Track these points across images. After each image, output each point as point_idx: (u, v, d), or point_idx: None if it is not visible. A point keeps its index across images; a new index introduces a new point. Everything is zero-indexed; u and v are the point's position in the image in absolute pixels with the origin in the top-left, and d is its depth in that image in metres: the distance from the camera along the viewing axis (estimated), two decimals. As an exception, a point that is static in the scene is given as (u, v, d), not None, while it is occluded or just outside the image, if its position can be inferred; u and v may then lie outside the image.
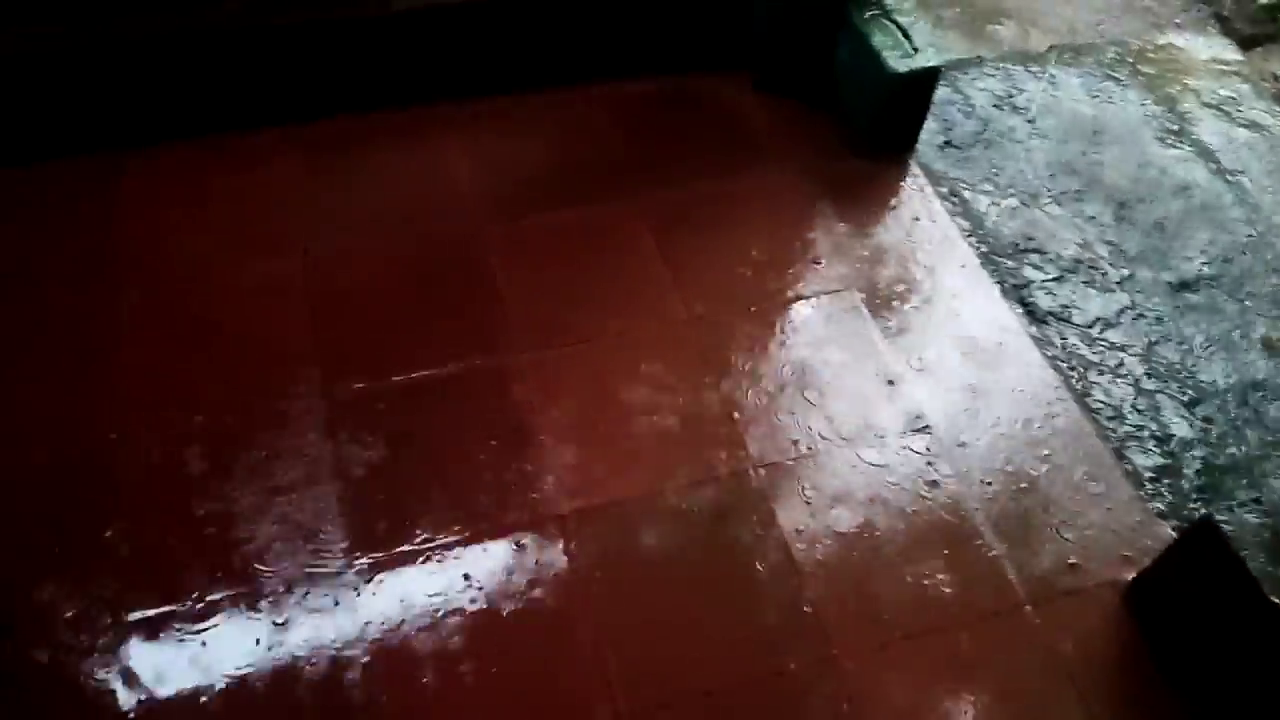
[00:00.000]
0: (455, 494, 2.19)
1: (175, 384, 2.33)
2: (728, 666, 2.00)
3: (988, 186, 2.97)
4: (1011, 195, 2.95)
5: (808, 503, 2.23)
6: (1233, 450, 2.42)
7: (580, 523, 2.16)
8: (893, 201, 2.87)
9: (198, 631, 1.97)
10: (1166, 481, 2.36)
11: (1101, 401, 2.48)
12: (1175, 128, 3.22)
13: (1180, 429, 2.46)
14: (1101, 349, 2.60)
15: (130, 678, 1.91)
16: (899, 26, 2.79)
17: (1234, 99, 3.35)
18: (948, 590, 2.13)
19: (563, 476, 2.23)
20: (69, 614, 1.98)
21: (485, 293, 2.55)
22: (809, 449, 2.32)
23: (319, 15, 2.72)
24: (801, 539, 2.17)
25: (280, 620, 1.99)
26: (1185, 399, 2.51)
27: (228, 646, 1.95)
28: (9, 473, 2.16)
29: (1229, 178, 3.08)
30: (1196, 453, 2.42)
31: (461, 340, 2.45)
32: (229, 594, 2.02)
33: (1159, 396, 2.52)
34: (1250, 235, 2.92)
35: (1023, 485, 2.30)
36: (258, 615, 2.00)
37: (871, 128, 2.89)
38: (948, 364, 2.50)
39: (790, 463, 2.29)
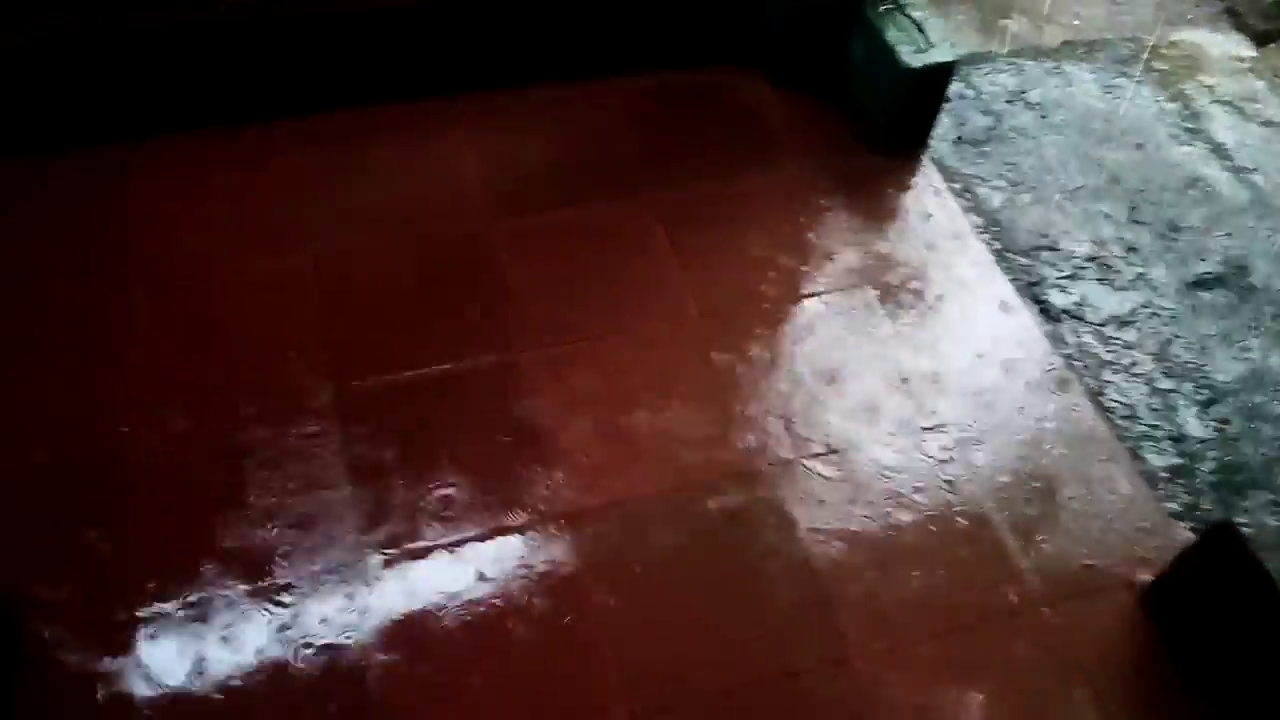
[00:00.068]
0: (464, 491, 2.17)
1: (183, 379, 2.32)
2: (739, 666, 1.99)
3: (1001, 183, 2.95)
4: (1024, 192, 2.93)
5: (820, 501, 2.22)
6: (1248, 451, 2.41)
7: (590, 521, 2.15)
8: (906, 198, 2.85)
9: (207, 628, 1.96)
10: (1181, 482, 2.34)
11: (1116, 401, 2.47)
12: (1189, 125, 3.20)
13: (1195, 429, 2.44)
14: (1115, 347, 2.58)
15: (140, 673, 1.90)
16: (913, 21, 2.77)
17: (1248, 96, 3.33)
18: (961, 590, 2.12)
19: (572, 474, 2.21)
20: (78, 609, 1.97)
21: (494, 289, 2.53)
22: (822, 447, 2.31)
23: (325, 8, 2.69)
24: (813, 538, 2.16)
25: (289, 617, 1.98)
26: (1200, 399, 2.50)
27: (237, 643, 1.94)
28: (16, 469, 2.15)
29: (1243, 175, 3.06)
30: (1211, 453, 2.40)
31: (470, 337, 2.43)
32: (238, 590, 2.01)
33: (1173, 396, 2.50)
34: (1265, 233, 2.90)
35: (1037, 485, 2.29)
36: (267, 612, 1.99)
37: (885, 123, 2.87)
38: (961, 362, 2.49)
39: (803, 461, 2.28)
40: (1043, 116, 3.17)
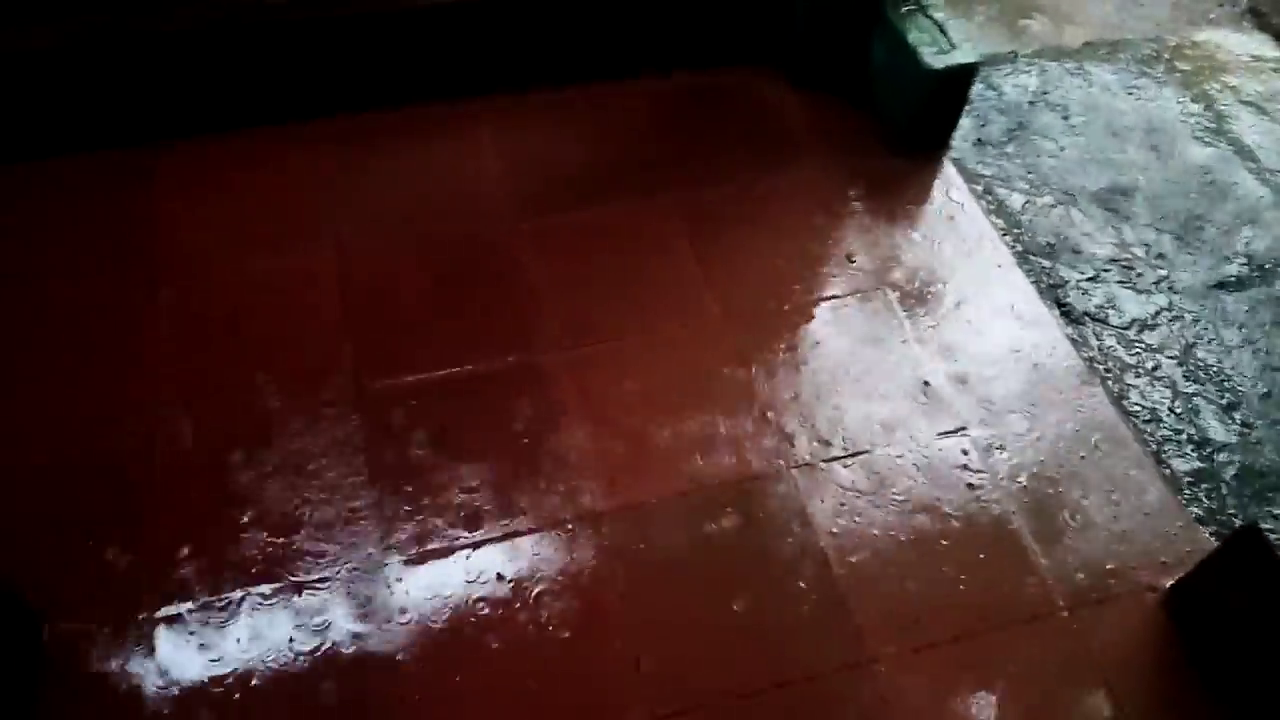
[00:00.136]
0: (484, 493, 2.18)
1: (208, 378, 2.33)
2: (758, 669, 1.99)
3: (1023, 184, 2.94)
4: (1046, 193, 2.92)
5: (842, 504, 2.22)
6: (1271, 455, 2.39)
7: (612, 521, 2.16)
8: (927, 199, 2.85)
9: (225, 628, 1.97)
10: (1204, 486, 2.33)
11: (1138, 404, 2.46)
12: (1212, 125, 3.18)
13: (1218, 433, 2.43)
14: (1138, 351, 2.57)
15: (159, 672, 1.91)
16: (935, 22, 2.76)
17: (1272, 96, 3.31)
18: (983, 594, 2.11)
19: (592, 476, 2.22)
20: (99, 609, 1.99)
21: (517, 290, 2.54)
22: (843, 450, 2.30)
23: (349, 10, 2.70)
24: (835, 541, 2.16)
25: (308, 618, 2.00)
26: (1223, 402, 2.49)
27: (255, 643, 1.96)
28: (41, 467, 2.17)
29: (1267, 176, 3.04)
30: (1234, 457, 2.39)
31: (493, 337, 2.44)
32: (257, 590, 2.03)
33: (1196, 400, 2.49)
34: (1289, 236, 2.88)
35: (1059, 488, 2.28)
36: (289, 609, 2.00)
37: (907, 125, 2.87)
38: (983, 365, 2.48)
39: (824, 464, 2.28)
40: (1064, 118, 3.15)
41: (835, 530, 2.18)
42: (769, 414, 2.35)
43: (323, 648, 1.96)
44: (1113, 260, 2.77)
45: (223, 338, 2.41)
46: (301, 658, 1.94)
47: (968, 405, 2.40)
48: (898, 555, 2.15)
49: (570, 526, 2.14)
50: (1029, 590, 2.12)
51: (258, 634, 1.97)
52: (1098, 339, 2.58)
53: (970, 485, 2.27)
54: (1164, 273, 2.75)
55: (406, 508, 2.15)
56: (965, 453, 2.32)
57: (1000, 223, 2.82)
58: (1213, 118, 3.21)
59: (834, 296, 2.59)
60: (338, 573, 2.06)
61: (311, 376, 2.34)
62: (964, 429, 2.36)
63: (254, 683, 1.91)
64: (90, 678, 1.90)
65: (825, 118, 3.00)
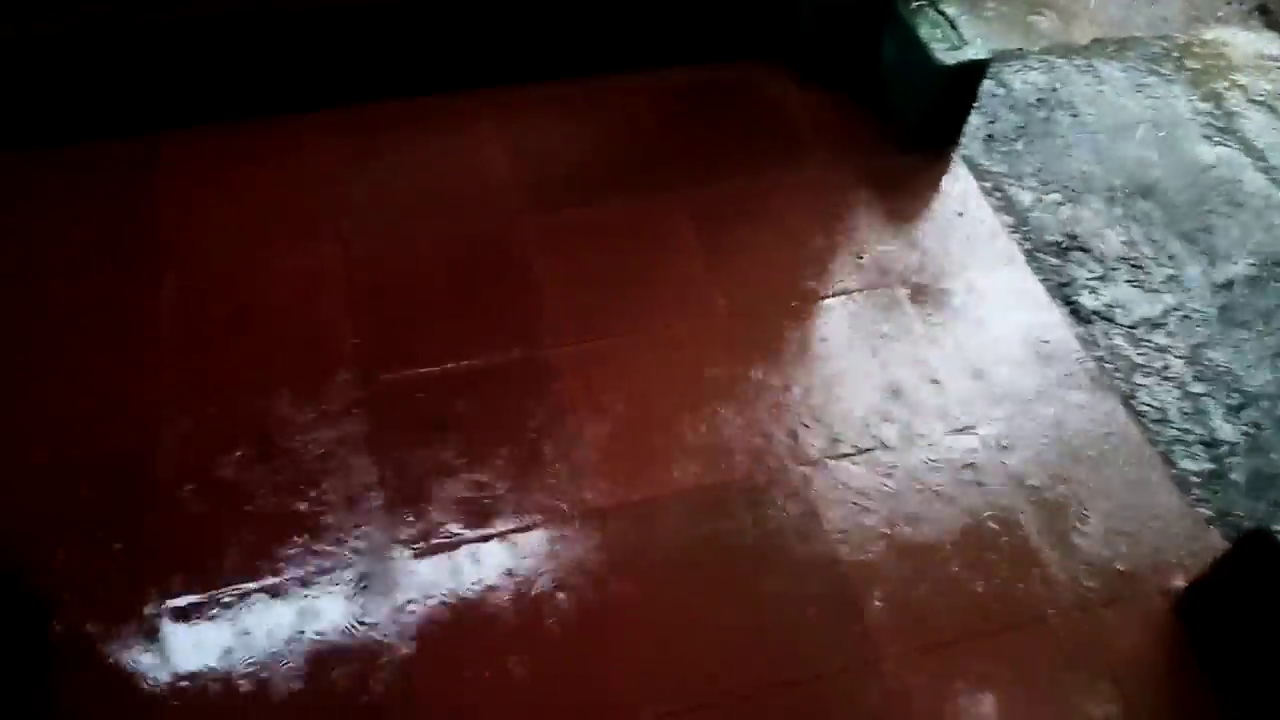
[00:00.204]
0: (491, 487, 2.17)
1: (213, 369, 2.32)
2: (767, 667, 1.98)
3: (1032, 182, 2.92)
4: (1055, 191, 2.91)
5: (850, 503, 2.21)
6: (1280, 456, 2.39)
7: (617, 518, 2.15)
8: (936, 196, 2.83)
9: (234, 620, 1.96)
10: (1214, 487, 2.32)
11: (1148, 404, 2.45)
12: (1222, 124, 3.17)
13: (1227, 433, 2.42)
14: (1147, 350, 2.56)
15: (167, 664, 1.90)
16: (946, 18, 2.74)
17: (1282, 95, 3.30)
18: (991, 593, 2.10)
19: (599, 471, 2.21)
20: (108, 598, 1.98)
21: (523, 284, 2.52)
22: (852, 447, 2.29)
23: (355, 0, 2.68)
24: (844, 540, 2.15)
25: (317, 608, 1.98)
26: (1232, 403, 2.48)
27: (263, 635, 1.95)
28: (47, 460, 2.16)
29: (1276, 176, 3.03)
30: (1244, 458, 2.38)
31: (499, 332, 2.43)
32: (267, 581, 2.01)
33: (1205, 400, 2.48)
34: (1299, 236, 2.87)
35: (1068, 488, 2.27)
36: (295, 602, 1.99)
37: (917, 121, 2.85)
38: (992, 363, 2.47)
39: (832, 462, 2.27)
40: (1074, 115, 3.14)
41: (843, 528, 2.16)
42: (777, 411, 2.34)
43: (329, 641, 1.95)
44: (1122, 259, 2.76)
45: (227, 331, 2.39)
46: (308, 651, 1.93)
47: (977, 403, 2.39)
48: (905, 554, 2.14)
49: (577, 522, 2.13)
50: (1038, 590, 2.11)
51: (264, 627, 1.96)
52: (1106, 338, 2.57)
53: (979, 484, 2.26)
54: (1173, 272, 2.74)
55: (412, 502, 2.14)
56: (974, 451, 2.31)
57: (1009, 220, 2.80)
58: (1222, 116, 3.19)
59: (842, 293, 2.58)
60: (344, 566, 2.04)
61: (317, 370, 2.33)
62: (973, 427, 2.35)
63: (261, 676, 1.90)
64: (98, 672, 1.89)
65: (834, 113, 2.99)
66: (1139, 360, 2.54)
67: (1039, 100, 3.17)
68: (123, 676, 1.89)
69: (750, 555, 2.12)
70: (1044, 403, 2.41)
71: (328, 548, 2.07)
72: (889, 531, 2.17)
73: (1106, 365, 2.51)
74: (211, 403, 2.26)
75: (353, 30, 2.73)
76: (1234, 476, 2.34)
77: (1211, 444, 2.40)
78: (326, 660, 1.92)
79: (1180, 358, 2.55)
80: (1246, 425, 2.43)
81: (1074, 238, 2.79)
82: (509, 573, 2.06)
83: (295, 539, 2.07)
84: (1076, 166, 2.98)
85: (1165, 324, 2.62)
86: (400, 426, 2.24)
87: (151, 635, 1.94)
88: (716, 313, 2.51)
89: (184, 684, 1.88)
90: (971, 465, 2.29)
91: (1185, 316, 2.64)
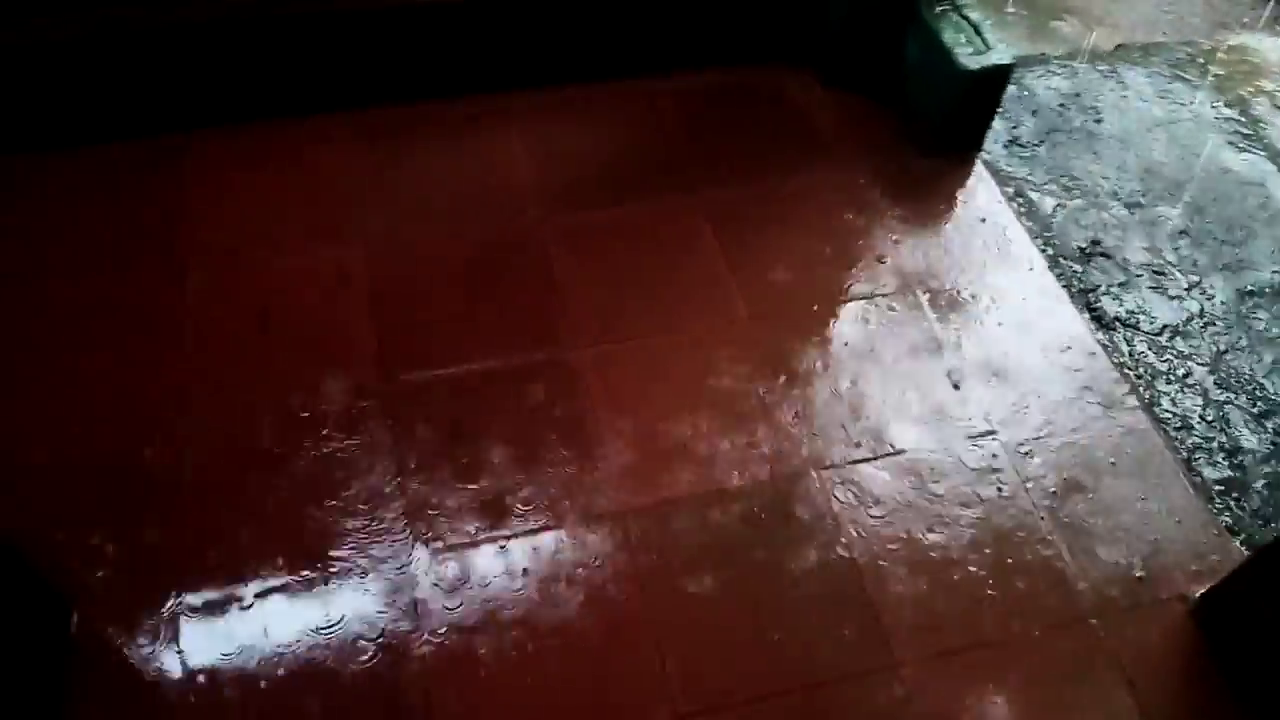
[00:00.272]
0: (510, 488, 2.18)
1: (238, 365, 2.34)
2: (784, 669, 1.98)
3: (1054, 188, 2.92)
4: (1078, 197, 2.90)
5: (868, 506, 2.21)
6: (1303, 465, 2.38)
7: (636, 520, 2.15)
8: (958, 201, 2.83)
9: (252, 617, 1.98)
10: (1235, 495, 2.31)
11: (1169, 411, 2.44)
12: (1247, 131, 3.15)
13: (1249, 441, 2.41)
14: (1170, 357, 2.55)
15: (186, 659, 1.92)
16: (970, 23, 2.74)
17: (1307, 102, 3.28)
18: (1010, 599, 2.10)
19: (618, 473, 2.22)
20: (127, 596, 2.00)
21: (544, 286, 2.54)
22: (871, 451, 2.29)
23: (381, 4, 2.70)
24: (862, 542, 2.15)
25: (336, 607, 2.00)
26: (1255, 411, 2.47)
27: (281, 633, 1.96)
28: (69, 456, 2.18)
29: (1302, 184, 3.01)
30: (1266, 466, 2.37)
31: (520, 333, 2.44)
32: (286, 579, 2.03)
33: (1228, 407, 2.47)
34: (1324, 244, 2.86)
35: (1089, 494, 2.26)
36: (314, 600, 2.01)
37: (940, 125, 2.85)
38: (1013, 368, 2.47)
39: (851, 465, 2.27)
40: (1097, 121, 3.13)
41: (862, 532, 2.17)
42: (797, 414, 2.34)
43: (347, 638, 1.96)
44: (1144, 265, 2.75)
45: (249, 330, 2.41)
46: (326, 648, 1.95)
47: (998, 409, 2.39)
48: (925, 558, 2.14)
49: (594, 523, 2.14)
50: (1056, 596, 2.11)
51: (283, 624, 1.97)
52: (1129, 344, 2.56)
53: (999, 489, 2.26)
54: (1196, 279, 2.73)
55: (432, 501, 2.15)
56: (995, 456, 2.31)
57: (1032, 226, 2.80)
58: (1247, 123, 3.18)
59: (864, 297, 2.58)
60: (363, 564, 2.06)
61: (337, 370, 2.34)
62: (993, 433, 2.35)
63: (279, 672, 1.91)
64: (116, 667, 1.91)
65: (856, 117, 2.99)
66: (1161, 367, 2.53)
67: (1062, 105, 3.16)
68: (140, 672, 1.91)
69: (768, 558, 2.12)
70: (1065, 409, 2.41)
71: (346, 545, 2.08)
72: (907, 536, 2.17)
73: (1128, 372, 2.50)
74: (233, 401, 2.28)
75: (378, 32, 2.75)
76: (1256, 485, 2.33)
77: (1233, 452, 2.39)
78: (343, 657, 1.94)
79: (1203, 365, 2.54)
80: (1269, 434, 2.42)
81: (1097, 244, 2.78)
82: (525, 572, 2.07)
83: (314, 536, 2.09)
84: (1099, 172, 2.97)
85: (1188, 331, 2.61)
86: (419, 427, 2.26)
87: (170, 630, 1.95)
88: (737, 315, 2.51)
89: (200, 680, 1.90)
90: (991, 470, 2.28)
91: (1208, 324, 2.63)
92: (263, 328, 2.42)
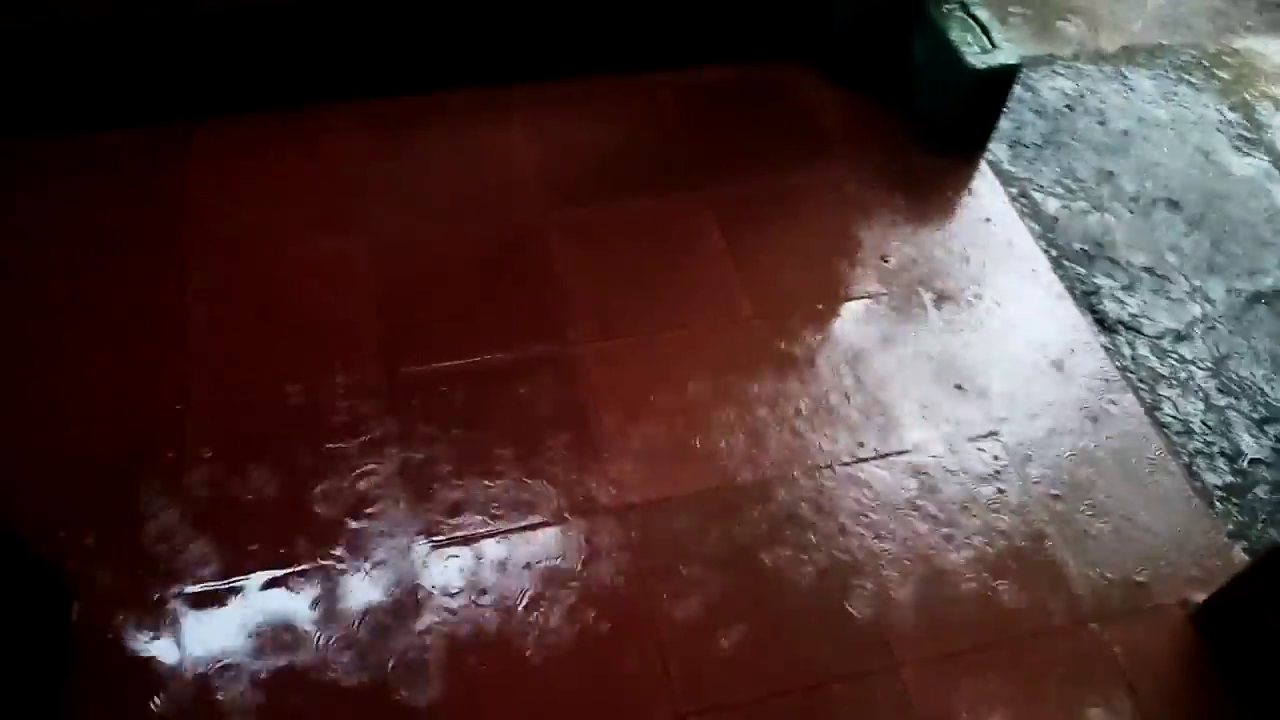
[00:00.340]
0: (512, 482, 2.17)
1: (240, 358, 2.33)
2: (787, 670, 1.98)
3: (1058, 189, 2.91)
4: (1082, 199, 2.90)
5: (870, 506, 2.21)
6: (1304, 471, 2.38)
7: (639, 517, 2.15)
8: (963, 201, 2.82)
9: (254, 608, 1.97)
10: (1236, 500, 2.31)
11: (1171, 416, 2.44)
12: (1251, 135, 3.15)
13: (1250, 447, 2.41)
14: (1172, 361, 2.55)
15: (187, 651, 1.91)
16: (978, 22, 2.73)
17: (1312, 107, 3.28)
18: (1011, 603, 2.10)
19: (621, 470, 2.21)
20: (129, 587, 1.98)
21: (549, 280, 2.52)
22: (874, 451, 2.29)
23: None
24: (863, 545, 2.15)
25: (336, 599, 1.99)
26: (1256, 417, 2.47)
27: (284, 622, 1.96)
28: (75, 442, 2.17)
29: (1305, 189, 3.01)
30: (1267, 472, 2.37)
31: (525, 327, 2.43)
32: (287, 570, 2.02)
33: (1229, 413, 2.47)
34: (1327, 250, 2.86)
35: (1090, 498, 2.26)
36: (318, 592, 2.00)
37: (947, 124, 2.84)
38: (1016, 370, 2.46)
39: (854, 465, 2.27)
40: (1101, 123, 3.12)
41: (864, 532, 2.16)
42: (800, 412, 2.33)
43: (347, 633, 1.95)
44: (1148, 269, 2.74)
45: (252, 321, 2.40)
46: (326, 642, 1.94)
47: (1000, 410, 2.39)
48: (926, 561, 2.14)
49: (597, 520, 2.13)
50: (1057, 600, 2.11)
51: (284, 616, 1.96)
52: (1131, 348, 2.56)
53: (1001, 491, 2.25)
54: (1199, 283, 2.73)
55: (432, 495, 2.14)
56: (997, 458, 2.30)
57: (1035, 227, 2.79)
58: (1251, 127, 3.17)
59: (867, 296, 2.57)
60: (365, 560, 2.05)
61: (341, 362, 2.33)
62: (996, 434, 2.34)
63: (280, 665, 1.90)
64: (118, 657, 1.90)
65: (862, 115, 2.98)
66: (1163, 371, 2.53)
67: (1067, 107, 3.16)
68: (140, 662, 1.90)
69: (769, 558, 2.12)
70: (1067, 412, 2.40)
71: (347, 538, 2.07)
72: (910, 537, 2.17)
73: (1130, 375, 2.50)
74: (236, 392, 2.27)
75: (382, 22, 2.72)
76: (1257, 490, 2.33)
77: (1234, 457, 2.39)
78: (343, 651, 1.93)
79: (1204, 369, 2.54)
80: (1270, 439, 2.42)
81: (1100, 246, 2.78)
82: (526, 567, 2.06)
83: (315, 528, 2.08)
84: (1104, 174, 2.97)
85: (1190, 335, 2.61)
86: (422, 420, 2.25)
87: (171, 622, 1.94)
88: (741, 313, 2.50)
89: (200, 673, 1.89)
90: (993, 472, 2.28)
91: (1211, 328, 2.63)
92: (267, 318, 2.41)
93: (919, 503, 2.22)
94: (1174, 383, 2.51)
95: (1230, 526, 2.26)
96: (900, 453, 2.29)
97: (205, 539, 2.05)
